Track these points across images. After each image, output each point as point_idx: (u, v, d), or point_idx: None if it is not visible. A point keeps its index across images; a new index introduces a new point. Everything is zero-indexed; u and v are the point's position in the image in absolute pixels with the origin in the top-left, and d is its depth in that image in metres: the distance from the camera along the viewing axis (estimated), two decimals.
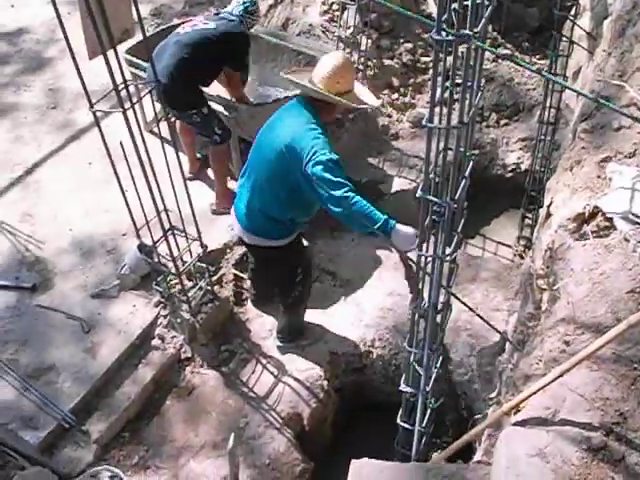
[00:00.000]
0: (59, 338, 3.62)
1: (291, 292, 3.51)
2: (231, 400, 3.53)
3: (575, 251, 2.26)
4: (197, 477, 3.23)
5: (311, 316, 3.85)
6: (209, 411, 3.48)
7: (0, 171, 4.70)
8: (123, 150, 2.79)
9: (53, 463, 3.18)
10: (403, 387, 2.49)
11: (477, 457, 2.76)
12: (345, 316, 3.95)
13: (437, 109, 1.75)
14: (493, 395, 3.00)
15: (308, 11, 5.43)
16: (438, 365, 2.49)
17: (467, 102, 1.82)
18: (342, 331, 3.86)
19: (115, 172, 2.95)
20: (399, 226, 2.73)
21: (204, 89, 4.14)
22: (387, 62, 5.54)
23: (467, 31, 1.58)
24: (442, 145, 1.88)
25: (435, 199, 1.89)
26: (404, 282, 4.00)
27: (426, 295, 2.32)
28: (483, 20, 1.77)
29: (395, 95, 5.50)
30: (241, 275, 4.10)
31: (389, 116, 5.33)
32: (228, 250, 4.20)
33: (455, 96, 1.73)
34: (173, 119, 4.33)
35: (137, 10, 2.59)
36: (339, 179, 2.72)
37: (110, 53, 2.53)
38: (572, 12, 4.27)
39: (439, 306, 2.31)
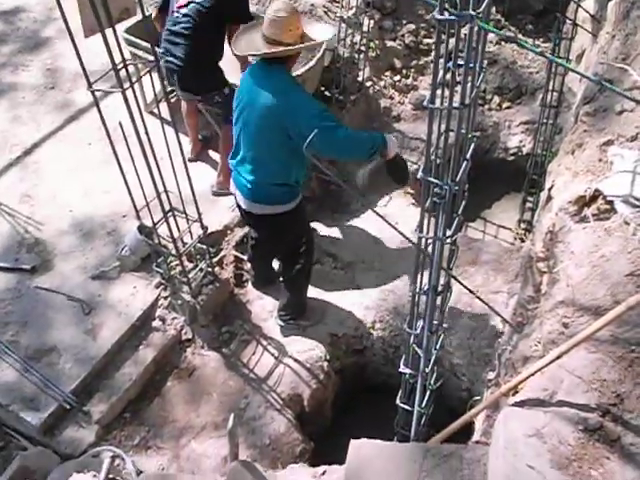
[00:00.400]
0: (59, 320, 3.63)
1: (295, 263, 3.56)
2: (232, 381, 3.55)
3: (575, 234, 2.26)
4: (198, 457, 3.27)
5: (312, 297, 3.87)
6: (210, 392, 3.51)
7: None
8: (122, 131, 2.78)
9: (54, 444, 3.22)
10: (403, 368, 2.50)
11: (475, 437, 2.79)
12: (346, 298, 3.97)
13: (439, 90, 1.74)
14: (492, 376, 3.02)
15: None
16: (438, 347, 2.50)
17: (469, 84, 1.80)
18: (343, 313, 3.88)
19: (115, 153, 2.94)
20: (385, 134, 3.10)
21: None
22: (389, 43, 5.50)
23: (470, 11, 1.56)
24: (444, 127, 1.87)
25: (436, 181, 1.89)
26: (405, 264, 4.00)
27: (426, 277, 2.33)
28: (486, 0, 1.75)
29: (397, 77, 5.48)
30: (242, 257, 4.11)
31: (391, 98, 5.30)
32: (229, 231, 4.20)
33: (457, 78, 1.71)
34: (174, 100, 4.30)
35: None
36: (335, 123, 3.00)
37: (109, 32, 2.48)
38: None
39: (439, 288, 2.31)
